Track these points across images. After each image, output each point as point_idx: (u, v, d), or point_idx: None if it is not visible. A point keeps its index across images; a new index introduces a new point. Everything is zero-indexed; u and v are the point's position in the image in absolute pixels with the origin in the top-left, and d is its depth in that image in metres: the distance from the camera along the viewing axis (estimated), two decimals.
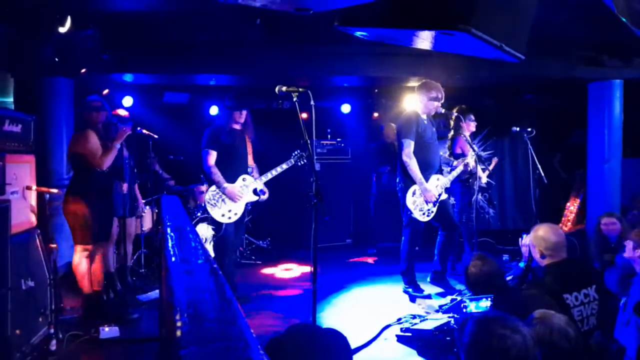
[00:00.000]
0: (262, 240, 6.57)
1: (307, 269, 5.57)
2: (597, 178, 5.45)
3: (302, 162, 4.29)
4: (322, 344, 1.66)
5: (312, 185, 3.03)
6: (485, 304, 2.54)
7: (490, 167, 4.96)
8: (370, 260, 6.30)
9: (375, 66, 4.95)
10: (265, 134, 4.93)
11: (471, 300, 2.56)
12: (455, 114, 5.07)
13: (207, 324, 1.13)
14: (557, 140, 7.09)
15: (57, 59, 4.06)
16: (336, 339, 1.72)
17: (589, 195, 5.61)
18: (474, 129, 5.13)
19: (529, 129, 4.44)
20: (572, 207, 6.49)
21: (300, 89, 3.12)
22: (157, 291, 4.27)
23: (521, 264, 3.74)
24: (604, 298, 2.68)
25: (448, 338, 3.36)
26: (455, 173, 4.73)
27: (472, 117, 5.11)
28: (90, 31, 4.07)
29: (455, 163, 4.92)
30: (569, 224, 6.40)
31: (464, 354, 1.79)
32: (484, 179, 4.99)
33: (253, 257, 6.13)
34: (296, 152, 4.31)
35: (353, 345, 3.45)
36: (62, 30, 3.90)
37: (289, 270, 5.71)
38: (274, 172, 4.28)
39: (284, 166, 4.27)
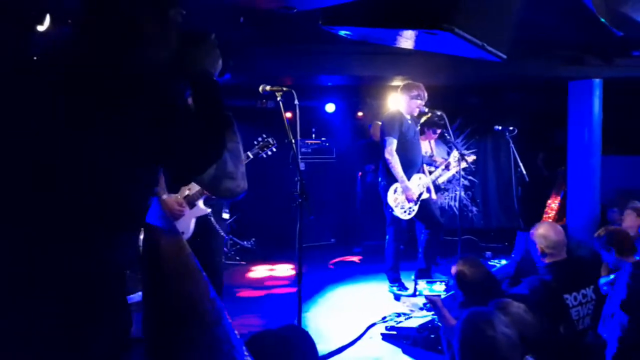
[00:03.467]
0: (246, 240, 6.53)
1: (292, 268, 5.56)
2: (577, 175, 5.53)
3: (269, 152, 3.57)
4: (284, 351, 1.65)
5: (297, 184, 3.01)
6: (439, 287, 2.56)
7: (469, 161, 4.87)
8: (355, 259, 6.31)
9: (359, 65, 4.95)
10: (248, 134, 4.87)
11: (427, 282, 2.58)
12: (439, 113, 5.09)
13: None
14: (540, 138, 7.19)
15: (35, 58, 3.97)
16: (301, 341, 1.72)
17: (569, 192, 5.69)
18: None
19: (511, 128, 4.49)
20: (553, 204, 6.58)
21: (284, 88, 3.11)
22: (141, 293, 4.21)
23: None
24: (601, 299, 2.72)
25: (433, 335, 3.39)
26: (437, 172, 4.77)
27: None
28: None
29: (438, 163, 4.96)
30: (550, 220, 6.50)
31: (458, 351, 1.82)
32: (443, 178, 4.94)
33: (237, 258, 6.09)
34: (259, 140, 3.56)
35: (338, 345, 3.46)
36: (41, 28, 3.81)
37: (273, 270, 5.70)
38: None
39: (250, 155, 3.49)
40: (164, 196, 3.04)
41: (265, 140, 3.53)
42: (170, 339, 1.32)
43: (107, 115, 1.12)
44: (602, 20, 3.08)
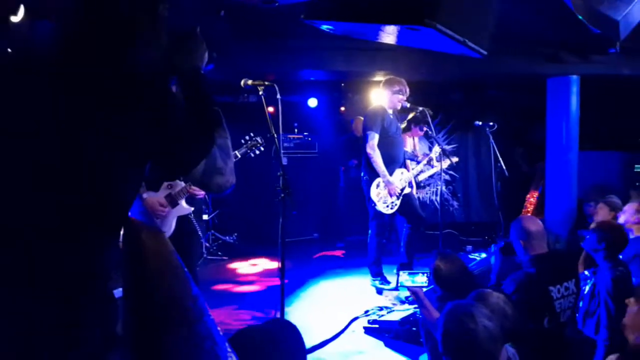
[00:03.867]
0: (228, 235, 6.49)
1: (274, 263, 5.55)
2: (555, 170, 5.64)
3: (257, 152, 3.54)
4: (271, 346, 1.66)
5: (280, 179, 3.01)
6: (421, 279, 2.58)
7: (453, 161, 4.92)
8: (338, 253, 6.33)
9: (342, 60, 4.95)
10: (230, 129, 4.81)
11: (408, 274, 2.60)
12: (421, 109, 5.13)
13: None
14: (519, 134, 7.30)
15: (9, 50, 3.87)
16: (287, 334, 1.73)
17: (547, 187, 5.80)
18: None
19: (491, 124, 4.55)
20: (531, 198, 6.70)
21: (267, 83, 3.09)
22: (121, 289, 4.16)
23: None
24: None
25: (414, 328, 3.43)
26: (419, 167, 4.80)
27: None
28: (46, 21, 3.89)
29: (420, 158, 5.00)
30: (529, 215, 6.62)
31: (441, 344, 1.85)
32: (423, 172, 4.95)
33: (219, 253, 6.05)
34: (247, 139, 3.51)
35: (321, 339, 3.48)
36: (15, 19, 3.71)
37: (256, 266, 5.68)
38: None
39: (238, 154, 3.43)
40: (144, 195, 2.95)
41: (254, 139, 3.49)
42: (151, 337, 1.31)
43: (106, 115, 1.12)
44: (580, 17, 3.13)
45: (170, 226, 3.06)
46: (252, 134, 3.51)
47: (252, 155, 3.51)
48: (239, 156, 3.41)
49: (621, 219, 3.59)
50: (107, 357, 1.18)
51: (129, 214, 1.33)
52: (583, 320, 2.93)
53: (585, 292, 2.94)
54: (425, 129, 5.85)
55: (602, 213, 4.24)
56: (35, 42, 1.40)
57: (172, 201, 3.04)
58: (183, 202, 3.09)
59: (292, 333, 1.74)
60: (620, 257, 3.39)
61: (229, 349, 1.23)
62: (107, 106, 1.12)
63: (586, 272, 3.08)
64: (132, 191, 1.25)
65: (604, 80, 5.65)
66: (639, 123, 7.47)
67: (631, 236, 3.52)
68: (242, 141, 3.46)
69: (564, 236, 5.26)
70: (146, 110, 1.13)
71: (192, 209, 3.19)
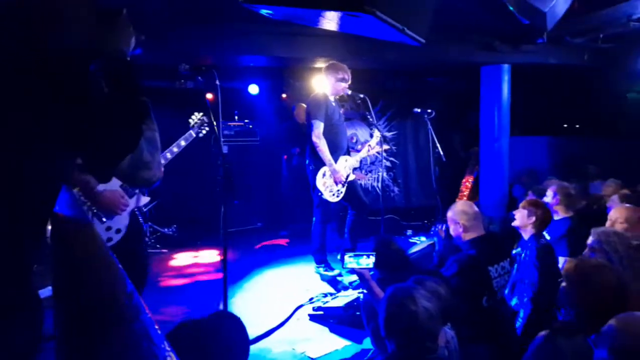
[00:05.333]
0: (167, 227, 6.28)
1: (217, 254, 5.45)
2: (488, 155, 5.91)
3: (204, 131, 3.36)
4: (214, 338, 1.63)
5: (220, 168, 2.93)
6: (366, 261, 2.63)
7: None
8: (282, 242, 6.31)
9: (282, 46, 4.88)
10: (165, 116, 4.58)
11: (353, 256, 2.65)
12: (362, 96, 5.18)
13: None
14: (456, 120, 7.57)
15: None
16: (229, 327, 1.70)
17: (482, 171, 6.07)
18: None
19: (429, 111, 4.65)
20: (467, 183, 7.00)
21: (204, 68, 2.98)
22: (50, 287, 3.92)
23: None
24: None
25: (358, 313, 3.48)
26: (361, 155, 4.86)
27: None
28: None
29: (359, 146, 5.05)
30: (465, 198, 6.91)
31: (383, 328, 1.89)
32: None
33: (158, 246, 5.85)
34: (193, 118, 3.33)
35: (266, 328, 3.46)
36: None
37: (197, 257, 5.55)
38: (175, 150, 3.22)
39: (183, 143, 3.26)
40: (100, 188, 2.68)
41: (201, 119, 3.32)
42: (83, 337, 1.23)
43: (20, 103, 1.02)
44: (511, 8, 3.27)
45: (126, 220, 2.85)
46: (196, 113, 3.33)
47: (201, 135, 3.34)
48: (194, 135, 3.27)
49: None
50: None
51: (56, 208, 1.24)
52: (511, 293, 3.12)
53: (515, 268, 3.12)
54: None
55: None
56: None
57: (128, 192, 2.85)
58: (140, 193, 2.89)
59: (234, 324, 1.71)
60: (548, 237, 3.63)
61: (167, 348, 1.18)
62: (21, 93, 1.02)
63: (514, 251, 3.28)
64: (54, 185, 1.16)
65: (533, 68, 5.96)
66: (565, 110, 7.99)
67: (556, 217, 3.78)
68: (190, 121, 3.30)
69: (497, 218, 5.54)
70: (65, 99, 1.04)
71: (149, 198, 3.01)
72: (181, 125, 3.33)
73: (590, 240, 2.60)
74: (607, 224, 3.14)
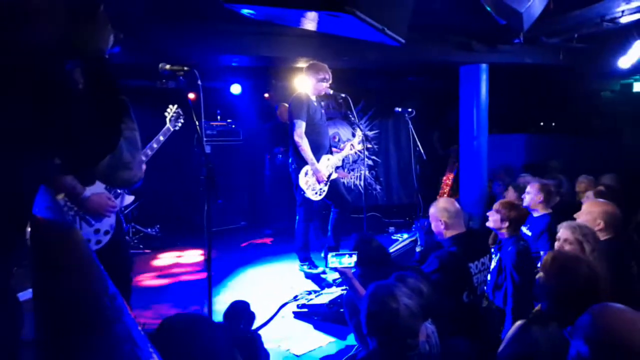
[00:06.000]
0: (150, 227, 6.23)
1: (201, 254, 5.42)
2: (467, 153, 6.00)
3: (180, 124, 3.27)
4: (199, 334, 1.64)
5: (203, 168, 2.92)
6: (348, 260, 2.66)
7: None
8: (266, 241, 6.31)
9: (264, 46, 4.87)
10: (146, 115, 4.52)
11: (335, 256, 2.68)
12: (344, 95, 5.21)
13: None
14: (435, 119, 7.66)
15: None
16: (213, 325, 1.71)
17: (461, 169, 6.16)
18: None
19: (410, 110, 4.70)
20: (447, 180, 7.09)
21: (186, 68, 2.96)
22: (30, 290, 3.86)
23: (418, 249, 4.02)
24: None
25: (342, 310, 3.51)
26: (344, 153, 4.89)
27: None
28: None
29: (342, 145, 5.09)
30: (445, 195, 7.00)
31: (365, 326, 1.91)
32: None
33: (141, 246, 5.80)
34: (169, 111, 3.22)
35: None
36: None
37: (181, 257, 5.52)
38: (155, 146, 3.10)
39: (161, 138, 3.13)
40: (87, 192, 2.64)
41: (176, 111, 3.23)
42: (64, 340, 1.22)
43: None
44: (488, 9, 3.32)
45: (113, 222, 2.81)
46: (170, 106, 3.26)
47: (177, 128, 3.26)
48: (172, 129, 3.19)
49: (526, 200, 3.90)
50: None
51: (36, 211, 1.23)
52: (492, 292, 3.17)
53: (492, 267, 3.18)
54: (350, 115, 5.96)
55: (510, 195, 4.59)
56: None
57: (113, 193, 2.81)
58: (124, 192, 2.85)
59: (218, 325, 1.72)
60: (530, 233, 3.71)
61: (150, 349, 1.18)
62: None
63: (492, 249, 3.34)
64: (31, 187, 1.15)
65: (510, 68, 6.07)
66: (542, 108, 8.15)
67: (536, 215, 3.86)
68: (165, 114, 3.22)
69: (477, 214, 5.62)
70: (38, 98, 1.01)
71: (133, 197, 2.95)
72: (163, 125, 3.30)
73: (561, 233, 2.66)
74: (583, 218, 3.19)
